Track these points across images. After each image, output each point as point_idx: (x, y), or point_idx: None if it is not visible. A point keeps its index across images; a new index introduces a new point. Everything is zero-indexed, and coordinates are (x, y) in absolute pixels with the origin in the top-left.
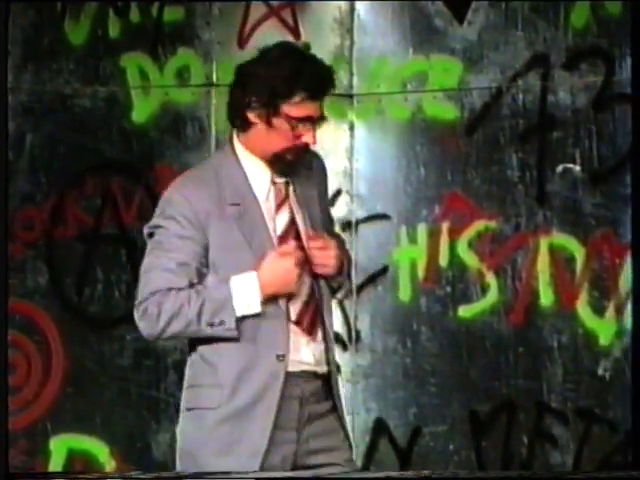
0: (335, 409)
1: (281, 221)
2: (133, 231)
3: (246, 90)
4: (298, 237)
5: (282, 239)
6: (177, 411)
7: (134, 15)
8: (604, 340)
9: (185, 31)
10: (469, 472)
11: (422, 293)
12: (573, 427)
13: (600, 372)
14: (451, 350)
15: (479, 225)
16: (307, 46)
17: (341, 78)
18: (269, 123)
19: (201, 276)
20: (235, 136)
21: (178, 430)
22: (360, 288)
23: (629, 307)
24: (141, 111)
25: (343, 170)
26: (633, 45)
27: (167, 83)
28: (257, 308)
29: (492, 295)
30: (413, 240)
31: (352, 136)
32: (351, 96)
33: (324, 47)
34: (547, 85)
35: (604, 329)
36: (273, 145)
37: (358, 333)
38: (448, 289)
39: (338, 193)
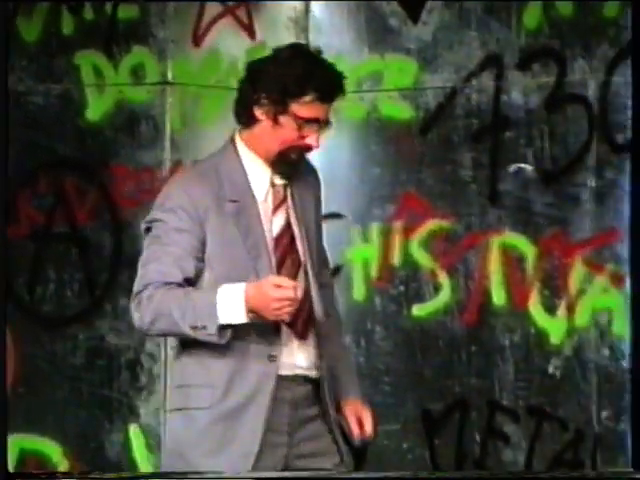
0: (325, 413)
1: (277, 223)
2: (86, 230)
3: (256, 87)
4: (292, 241)
5: (277, 241)
6: (130, 410)
7: (88, 13)
8: (555, 339)
9: (140, 29)
10: (472, 472)
11: (375, 292)
12: (524, 425)
13: (551, 370)
14: (405, 349)
15: (432, 224)
16: (318, 50)
17: None
18: (276, 121)
19: (197, 271)
20: (238, 134)
21: (166, 430)
22: None
23: (579, 306)
24: (95, 109)
25: None
26: (633, 46)
27: (122, 81)
28: (242, 319)
29: (445, 294)
30: (366, 239)
31: None
32: None
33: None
34: (500, 85)
35: (555, 328)
36: (277, 143)
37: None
38: (401, 288)
39: None
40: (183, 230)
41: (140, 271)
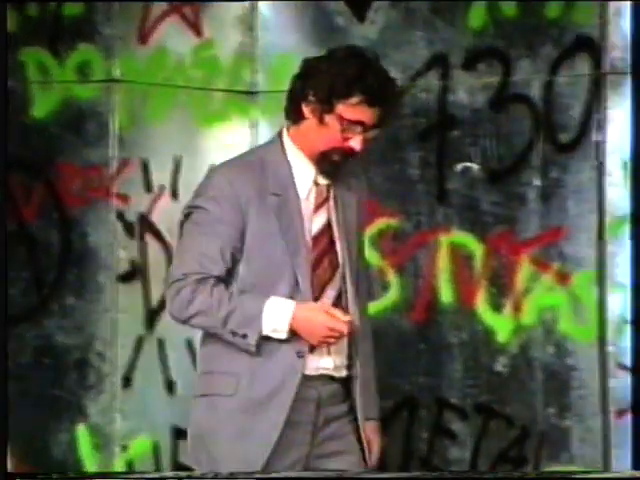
0: (351, 411)
1: (318, 222)
2: (33, 228)
3: (306, 83)
4: (332, 242)
5: (316, 240)
6: (79, 410)
7: (32, 9)
8: (502, 337)
9: (85, 26)
10: (471, 472)
11: None
12: (472, 422)
13: (498, 368)
14: None
15: (381, 223)
16: (376, 55)
17: (244, 76)
18: (321, 120)
19: (235, 262)
20: (285, 129)
21: (191, 416)
22: None
23: (525, 304)
24: (41, 106)
25: None
26: (633, 48)
27: (67, 78)
28: (283, 335)
29: (394, 292)
30: None
31: (255, 133)
32: (254, 93)
33: (227, 44)
34: (446, 85)
35: (502, 326)
36: (320, 143)
37: None
38: None
39: None
40: (224, 220)
41: (178, 258)
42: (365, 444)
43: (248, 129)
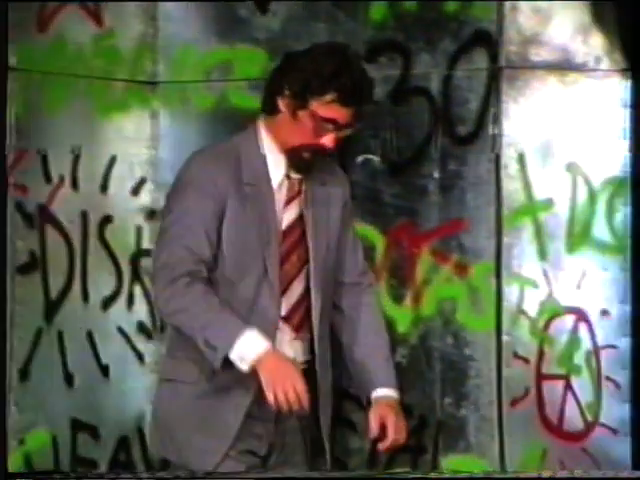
0: (314, 400)
1: (289, 216)
2: None
3: (283, 77)
4: (302, 237)
5: (286, 234)
6: None
7: None
8: (402, 327)
9: None
10: (471, 472)
11: None
12: None
13: (398, 359)
14: None
15: None
16: (356, 54)
17: (145, 66)
18: (295, 115)
19: (214, 252)
20: (262, 120)
21: (155, 398)
22: None
23: (425, 295)
24: None
25: (147, 158)
26: (633, 51)
27: None
28: (245, 367)
29: None
30: None
31: (156, 124)
32: (155, 84)
33: (128, 34)
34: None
35: (402, 317)
36: (292, 138)
37: (163, 322)
38: None
39: (143, 181)
40: (207, 211)
41: (165, 247)
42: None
43: (149, 119)
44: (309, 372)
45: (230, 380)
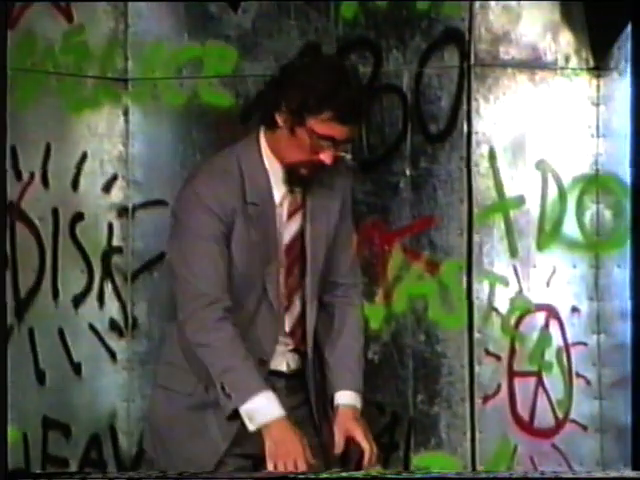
0: (307, 402)
1: (290, 230)
2: None
3: (280, 92)
4: (303, 249)
5: (288, 249)
6: None
7: None
8: (374, 324)
9: None
10: (470, 472)
11: None
12: None
13: (370, 356)
14: None
15: None
16: (355, 68)
17: (116, 62)
18: (292, 131)
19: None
20: (262, 132)
21: (149, 403)
22: (136, 274)
23: (396, 292)
24: None
25: (118, 155)
26: (633, 54)
27: None
28: (252, 428)
29: None
30: None
31: (127, 121)
32: (126, 80)
33: (98, 31)
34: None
35: (374, 314)
36: (290, 154)
37: (135, 320)
38: None
39: (114, 178)
40: (217, 234)
41: (186, 281)
42: (337, 434)
43: (120, 116)
44: (301, 380)
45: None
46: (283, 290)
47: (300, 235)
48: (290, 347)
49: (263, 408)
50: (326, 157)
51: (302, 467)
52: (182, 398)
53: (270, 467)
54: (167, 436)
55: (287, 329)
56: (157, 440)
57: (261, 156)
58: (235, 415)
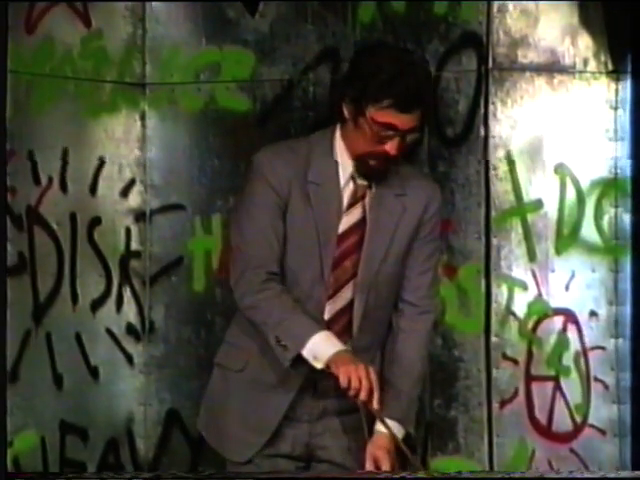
0: (357, 409)
1: (347, 221)
2: None
3: (345, 82)
4: (359, 244)
5: (341, 238)
6: None
7: None
8: None
9: None
10: (478, 472)
11: (216, 283)
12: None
13: None
14: None
15: None
16: (423, 59)
17: (133, 67)
18: (355, 122)
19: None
20: (338, 125)
21: (210, 380)
22: (154, 279)
23: None
24: None
25: (136, 160)
26: (633, 48)
27: None
28: (319, 365)
29: None
30: (208, 230)
31: (144, 125)
32: (143, 85)
33: (116, 36)
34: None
35: None
36: (357, 145)
37: (152, 324)
38: None
39: (131, 183)
40: (270, 204)
41: (237, 237)
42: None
43: (137, 121)
44: None
45: (274, 377)
46: (327, 278)
47: (357, 228)
48: None
49: (324, 344)
50: (390, 147)
51: (374, 380)
52: (233, 375)
53: (344, 382)
54: (218, 414)
55: (327, 317)
56: (210, 418)
57: (332, 146)
58: (296, 363)
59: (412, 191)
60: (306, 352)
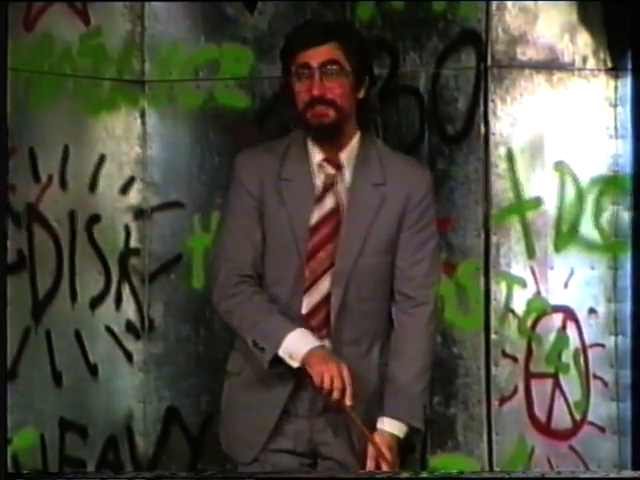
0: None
1: (319, 211)
2: None
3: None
4: (333, 234)
5: (315, 230)
6: None
7: None
8: None
9: None
10: (471, 473)
11: None
12: None
13: None
14: None
15: None
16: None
17: (132, 65)
18: (291, 87)
19: (261, 248)
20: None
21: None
22: (153, 276)
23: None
24: None
25: (135, 157)
26: (633, 48)
27: None
28: (295, 364)
29: None
30: (207, 228)
31: (144, 123)
32: (142, 83)
33: (115, 33)
34: None
35: None
36: (298, 108)
37: (151, 321)
38: None
39: (131, 180)
40: (247, 209)
41: (216, 245)
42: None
43: (136, 118)
44: None
45: (270, 374)
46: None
47: (330, 218)
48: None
49: (298, 342)
50: (312, 87)
51: (347, 379)
52: (234, 378)
53: (317, 381)
54: (225, 418)
55: (304, 311)
56: (221, 422)
57: (306, 139)
58: (275, 364)
59: (393, 180)
60: (282, 352)
